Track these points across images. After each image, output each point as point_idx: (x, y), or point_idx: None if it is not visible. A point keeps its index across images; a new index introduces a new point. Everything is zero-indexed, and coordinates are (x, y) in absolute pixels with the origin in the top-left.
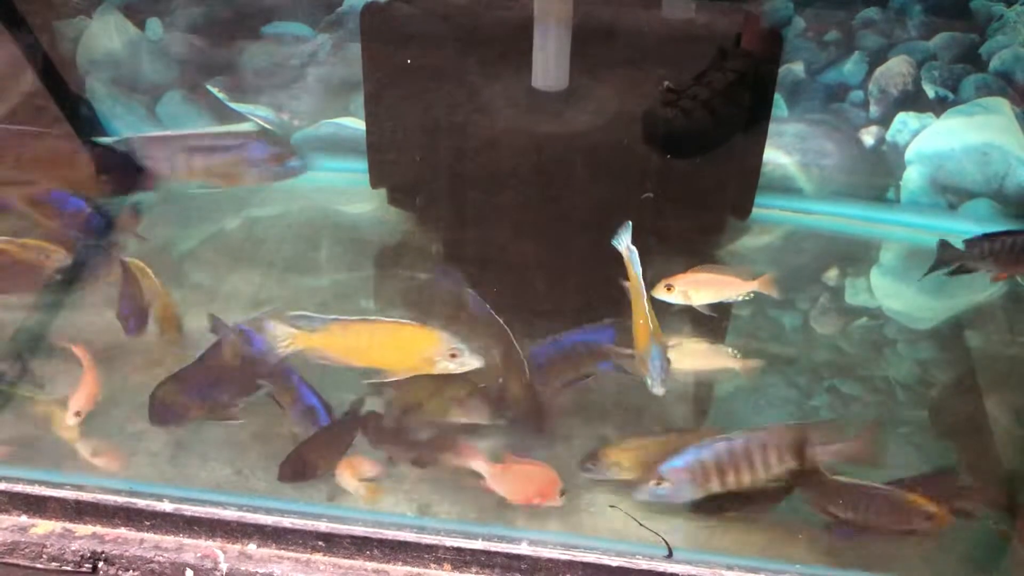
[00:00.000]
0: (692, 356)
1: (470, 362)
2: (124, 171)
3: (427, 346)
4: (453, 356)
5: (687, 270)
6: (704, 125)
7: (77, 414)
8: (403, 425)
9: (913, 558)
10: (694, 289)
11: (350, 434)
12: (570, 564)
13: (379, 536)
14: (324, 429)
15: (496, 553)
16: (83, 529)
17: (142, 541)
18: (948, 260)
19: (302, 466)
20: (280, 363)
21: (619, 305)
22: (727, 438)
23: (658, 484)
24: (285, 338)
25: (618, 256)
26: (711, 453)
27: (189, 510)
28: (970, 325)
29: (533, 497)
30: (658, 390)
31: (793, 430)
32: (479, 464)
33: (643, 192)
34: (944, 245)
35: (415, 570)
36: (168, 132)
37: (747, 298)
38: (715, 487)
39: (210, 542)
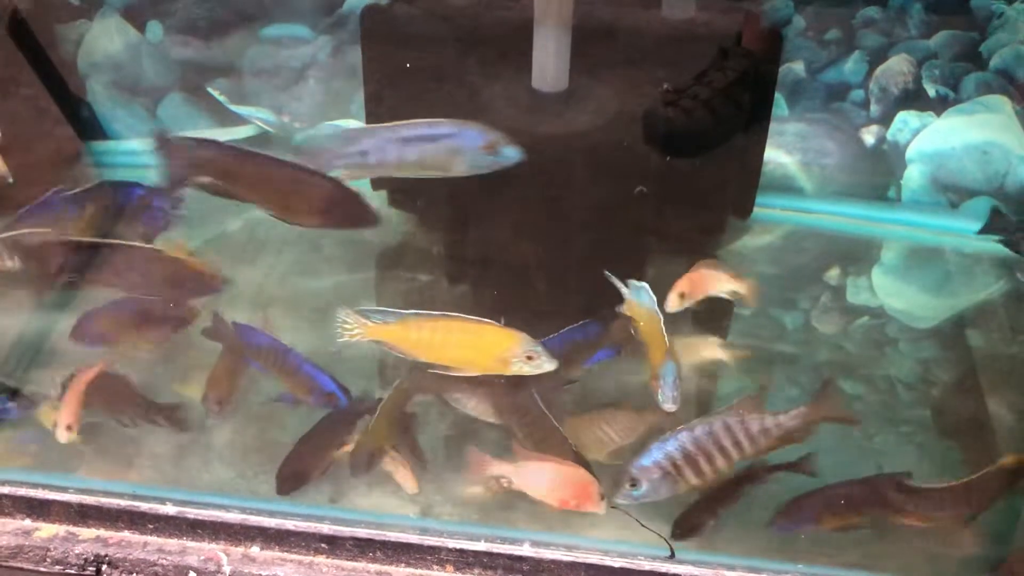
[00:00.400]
0: (681, 349)
1: (546, 365)
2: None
3: (504, 347)
4: (530, 358)
5: (687, 272)
6: (705, 125)
7: (68, 428)
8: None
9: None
10: (692, 291)
11: (342, 433)
12: (572, 565)
13: (382, 538)
14: (311, 433)
15: (499, 555)
16: (87, 532)
17: (145, 544)
18: (999, 228)
19: (294, 476)
20: (288, 356)
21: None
22: (689, 427)
23: (632, 486)
24: (353, 328)
25: (618, 256)
26: (676, 444)
27: (192, 513)
28: (972, 324)
29: (571, 501)
30: (669, 407)
31: (748, 405)
32: (499, 468)
33: (643, 193)
34: (997, 213)
35: (418, 571)
36: (376, 125)
37: (731, 296)
38: (691, 477)
39: (213, 545)
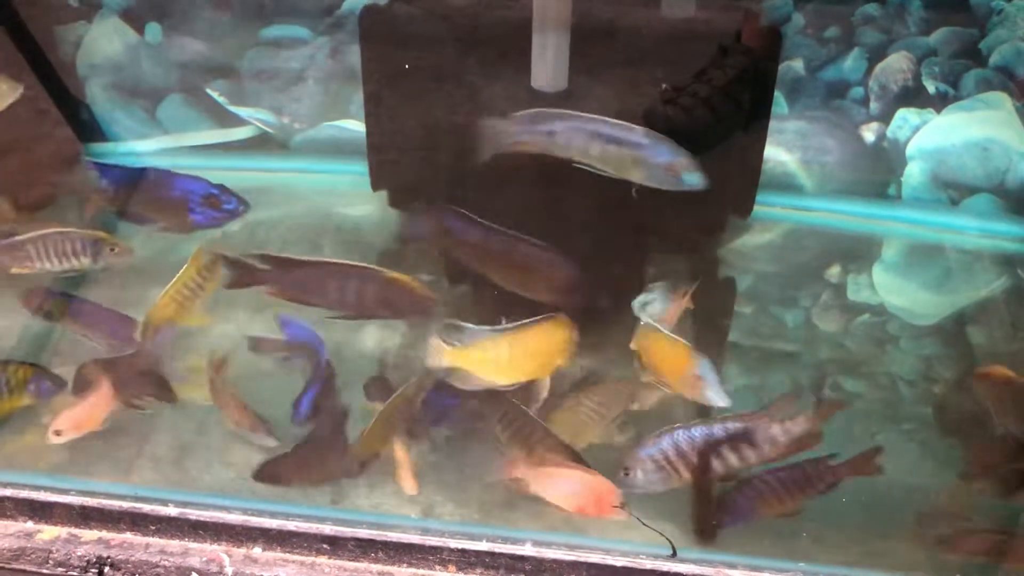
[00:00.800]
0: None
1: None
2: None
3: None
4: None
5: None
6: (704, 123)
7: (57, 433)
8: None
9: None
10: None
11: (327, 451)
12: (574, 564)
13: (384, 538)
14: (300, 447)
15: (500, 554)
16: (89, 534)
17: (147, 546)
18: None
19: (275, 478)
20: (318, 354)
21: (620, 303)
22: (686, 427)
23: (625, 474)
24: (436, 353)
25: (618, 255)
26: (670, 441)
27: (194, 514)
28: (973, 320)
29: (590, 508)
30: (724, 402)
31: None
32: (522, 471)
33: (643, 192)
34: None
35: (420, 572)
36: (574, 112)
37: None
38: (685, 473)
39: (215, 546)
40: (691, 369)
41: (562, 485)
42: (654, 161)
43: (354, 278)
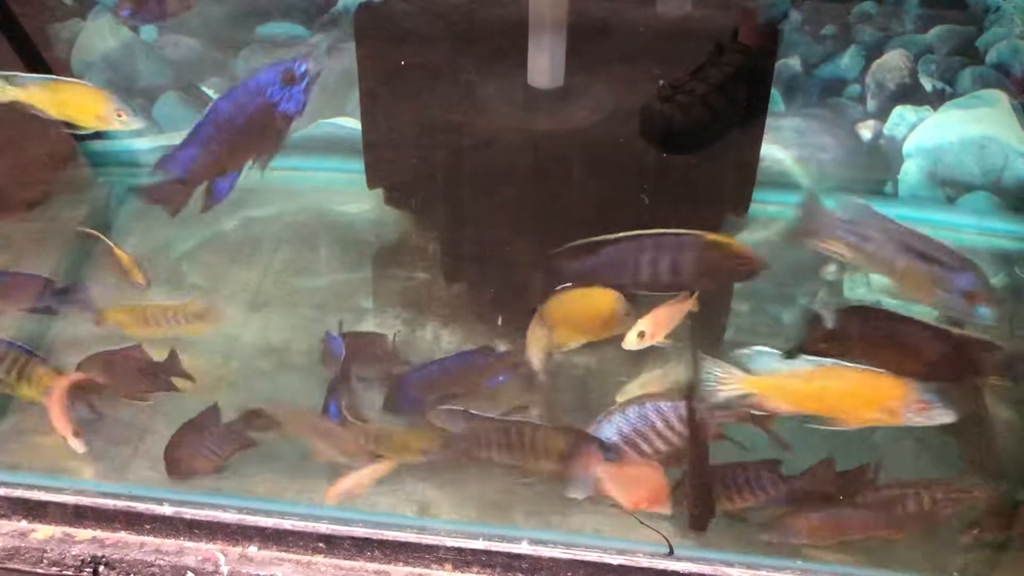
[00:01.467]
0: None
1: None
2: None
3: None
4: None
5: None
6: (701, 120)
7: (76, 435)
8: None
9: None
10: (655, 331)
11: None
12: (571, 563)
13: (380, 537)
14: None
15: (497, 553)
16: (83, 533)
17: (142, 545)
18: None
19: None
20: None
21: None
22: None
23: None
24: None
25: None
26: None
27: (189, 513)
28: None
29: (643, 502)
30: (952, 416)
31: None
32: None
33: (640, 190)
34: None
35: (416, 570)
36: (897, 222)
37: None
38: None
39: (211, 545)
40: (914, 397)
41: (622, 481)
42: (956, 285)
43: (668, 248)
